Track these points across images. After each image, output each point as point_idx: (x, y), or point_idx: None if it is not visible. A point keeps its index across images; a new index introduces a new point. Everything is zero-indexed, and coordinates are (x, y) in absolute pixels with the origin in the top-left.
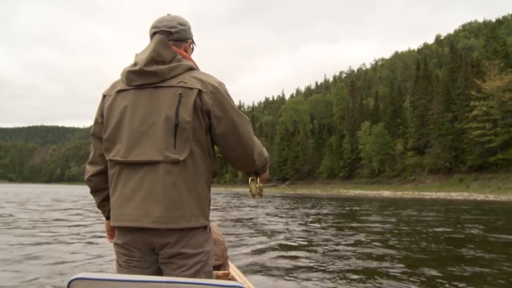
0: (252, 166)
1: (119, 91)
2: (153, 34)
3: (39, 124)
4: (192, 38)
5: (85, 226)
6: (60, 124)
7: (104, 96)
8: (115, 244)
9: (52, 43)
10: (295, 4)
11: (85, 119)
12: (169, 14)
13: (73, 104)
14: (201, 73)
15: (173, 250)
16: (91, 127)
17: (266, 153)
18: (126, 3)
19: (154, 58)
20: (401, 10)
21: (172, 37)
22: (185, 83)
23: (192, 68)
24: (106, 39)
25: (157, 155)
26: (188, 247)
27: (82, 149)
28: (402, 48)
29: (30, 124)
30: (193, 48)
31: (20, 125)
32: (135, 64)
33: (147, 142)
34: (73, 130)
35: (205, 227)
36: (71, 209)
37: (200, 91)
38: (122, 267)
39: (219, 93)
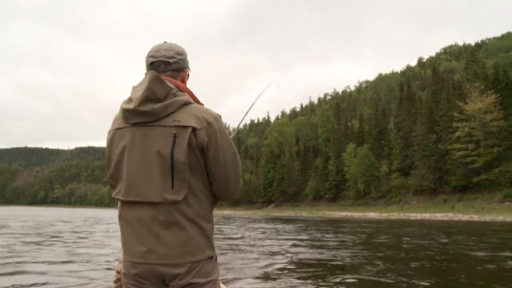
0: (228, 198)
1: (117, 129)
2: (150, 64)
3: (22, 145)
4: (188, 67)
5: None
6: (44, 146)
7: (108, 133)
8: (125, 275)
9: (40, 63)
10: (287, 27)
11: (71, 141)
12: (165, 42)
13: (61, 125)
14: (196, 107)
15: (185, 281)
16: (76, 148)
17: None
18: (119, 24)
19: (148, 97)
20: (390, 33)
21: (170, 67)
22: (180, 121)
23: (187, 103)
24: (95, 59)
25: (155, 196)
26: (198, 276)
27: (67, 171)
28: (386, 70)
29: (14, 146)
30: (188, 75)
31: (3, 147)
32: (130, 101)
33: (144, 183)
34: (57, 152)
35: (212, 257)
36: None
37: (194, 129)
38: None
39: (213, 130)
